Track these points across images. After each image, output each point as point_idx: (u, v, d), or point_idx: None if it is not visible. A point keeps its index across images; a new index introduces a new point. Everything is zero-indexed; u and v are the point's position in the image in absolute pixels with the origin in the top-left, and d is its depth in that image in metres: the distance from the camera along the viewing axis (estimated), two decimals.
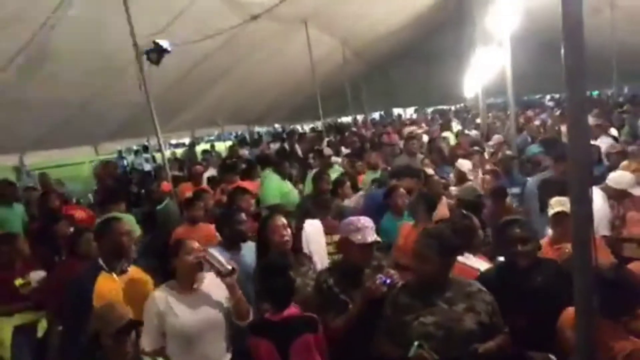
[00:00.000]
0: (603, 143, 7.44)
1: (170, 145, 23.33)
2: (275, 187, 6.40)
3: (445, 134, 11.85)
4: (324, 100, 11.40)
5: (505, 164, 6.63)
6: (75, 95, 7.23)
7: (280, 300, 2.90)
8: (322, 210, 4.77)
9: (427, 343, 2.52)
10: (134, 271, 3.58)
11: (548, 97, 23.05)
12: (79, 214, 6.35)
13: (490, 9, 8.51)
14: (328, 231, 4.36)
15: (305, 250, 3.95)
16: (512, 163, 6.78)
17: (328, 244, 4.30)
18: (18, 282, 4.24)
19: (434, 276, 2.71)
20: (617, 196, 4.74)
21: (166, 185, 7.04)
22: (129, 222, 3.81)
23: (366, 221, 3.20)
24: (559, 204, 3.74)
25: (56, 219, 5.33)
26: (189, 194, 6.19)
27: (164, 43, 5.53)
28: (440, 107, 23.75)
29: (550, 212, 3.79)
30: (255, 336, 2.86)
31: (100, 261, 3.48)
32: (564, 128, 8.38)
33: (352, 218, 3.27)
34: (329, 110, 15.32)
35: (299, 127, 22.84)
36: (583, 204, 2.01)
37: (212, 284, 3.17)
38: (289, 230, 3.68)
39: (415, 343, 2.50)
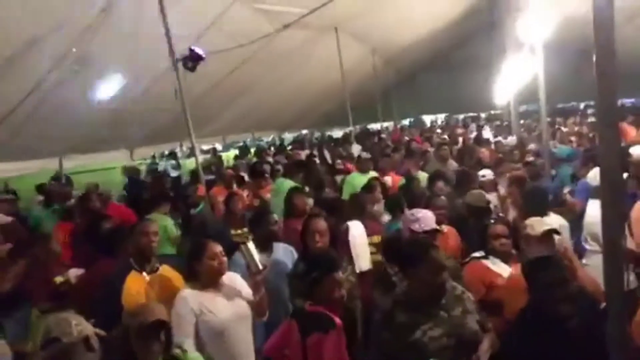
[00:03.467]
0: None
1: (202, 151, 23.52)
2: None
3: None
4: (353, 107, 11.41)
5: (530, 171, 6.62)
6: (112, 99, 7.43)
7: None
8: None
9: (443, 355, 2.51)
10: (164, 270, 3.66)
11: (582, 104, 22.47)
12: (121, 213, 6.49)
13: (523, 16, 8.42)
14: (368, 232, 4.47)
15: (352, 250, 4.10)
16: (536, 168, 6.77)
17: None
18: (57, 279, 4.36)
19: (443, 284, 2.69)
20: None
21: (201, 189, 7.19)
22: (156, 224, 3.90)
23: (426, 213, 3.67)
24: (542, 223, 3.45)
25: (101, 217, 5.40)
26: (221, 197, 6.34)
27: (200, 50, 5.62)
28: (470, 114, 23.50)
29: (539, 230, 3.35)
30: (290, 318, 2.95)
31: (132, 261, 3.60)
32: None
33: (413, 210, 3.78)
34: (359, 117, 15.30)
35: (330, 134, 22.76)
36: (614, 207, 2.08)
37: (233, 281, 3.28)
38: (324, 235, 3.77)
39: None
